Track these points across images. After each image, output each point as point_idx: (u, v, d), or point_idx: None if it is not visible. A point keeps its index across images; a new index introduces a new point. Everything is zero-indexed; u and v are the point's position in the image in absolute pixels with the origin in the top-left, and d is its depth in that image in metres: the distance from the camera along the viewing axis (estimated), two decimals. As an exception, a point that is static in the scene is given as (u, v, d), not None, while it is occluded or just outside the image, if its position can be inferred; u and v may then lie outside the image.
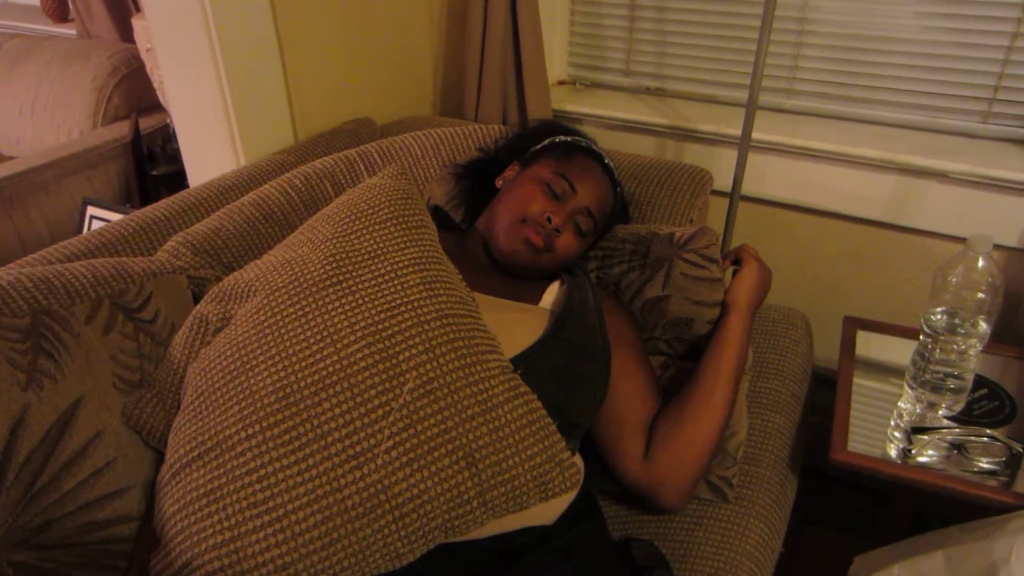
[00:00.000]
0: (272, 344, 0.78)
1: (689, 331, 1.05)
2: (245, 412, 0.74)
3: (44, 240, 1.82)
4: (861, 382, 1.19)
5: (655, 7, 1.61)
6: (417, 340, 0.77)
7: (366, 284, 0.80)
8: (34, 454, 0.74)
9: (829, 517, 1.57)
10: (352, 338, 0.76)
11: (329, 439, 0.71)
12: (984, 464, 1.02)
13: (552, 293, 1.01)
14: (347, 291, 0.80)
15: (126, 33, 2.21)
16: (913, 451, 1.04)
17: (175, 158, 1.80)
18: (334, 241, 0.85)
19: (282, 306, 0.80)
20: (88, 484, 0.78)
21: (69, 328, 0.81)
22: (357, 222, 0.87)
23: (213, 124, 1.27)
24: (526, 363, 0.84)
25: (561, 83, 1.78)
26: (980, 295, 1.01)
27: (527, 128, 1.21)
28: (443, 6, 1.63)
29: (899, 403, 1.14)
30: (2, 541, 0.71)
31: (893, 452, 1.07)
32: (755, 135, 1.39)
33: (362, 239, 0.85)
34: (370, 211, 0.88)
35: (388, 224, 0.87)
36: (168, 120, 1.87)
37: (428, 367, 0.75)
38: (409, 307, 0.79)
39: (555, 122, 1.21)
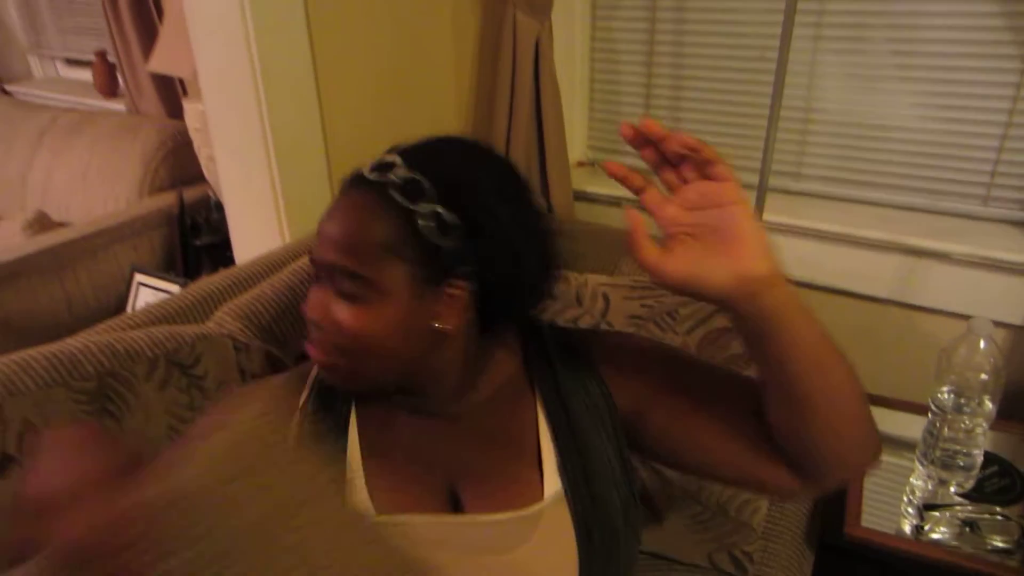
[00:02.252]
0: None
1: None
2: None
3: (90, 302, 1.92)
4: (873, 456, 1.23)
5: (669, 95, 1.70)
6: None
7: None
8: (94, 511, 0.81)
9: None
10: None
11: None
12: (997, 542, 1.05)
13: (543, 418, 0.75)
14: None
15: (172, 110, 2.35)
16: (925, 527, 1.07)
17: (217, 229, 1.91)
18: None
19: None
20: (141, 537, 0.84)
21: (131, 387, 0.86)
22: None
23: (262, 206, 1.36)
24: None
25: (581, 164, 1.86)
26: (983, 376, 1.05)
27: None
28: (472, 92, 1.73)
29: (911, 479, 1.18)
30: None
31: (907, 528, 1.10)
32: (765, 216, 1.47)
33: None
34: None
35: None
36: (209, 192, 1.99)
37: None
38: None
39: None
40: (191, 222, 1.97)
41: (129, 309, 1.86)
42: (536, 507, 0.71)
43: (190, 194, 2.08)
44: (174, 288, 1.75)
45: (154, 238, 2.05)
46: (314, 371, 0.78)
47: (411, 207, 0.66)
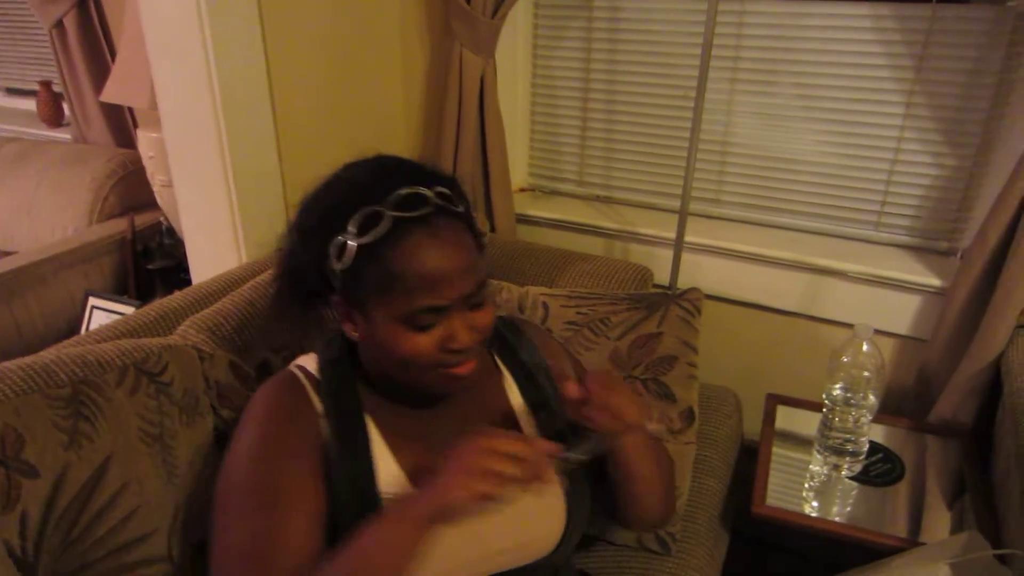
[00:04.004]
0: None
1: (668, 372, 1.20)
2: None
3: (39, 328, 1.90)
4: (781, 451, 1.38)
5: (602, 128, 1.86)
6: None
7: None
8: (71, 505, 0.85)
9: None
10: None
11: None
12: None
13: (513, 389, 0.94)
14: None
15: (120, 138, 2.36)
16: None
17: (170, 253, 1.95)
18: None
19: None
20: (117, 531, 0.88)
21: (103, 393, 0.92)
22: None
23: (220, 227, 1.43)
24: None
25: (522, 190, 1.99)
26: (866, 373, 1.22)
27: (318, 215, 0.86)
28: (420, 123, 1.84)
29: (810, 466, 1.33)
30: (43, 584, 0.79)
31: (807, 508, 1.24)
32: (688, 238, 1.62)
33: None
34: None
35: None
36: (161, 218, 2.02)
37: None
38: None
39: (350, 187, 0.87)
40: (143, 247, 2.00)
41: (83, 332, 1.88)
42: None
43: (140, 220, 2.09)
44: (129, 310, 1.79)
45: (105, 264, 2.05)
46: (306, 381, 0.89)
47: (473, 223, 0.84)
